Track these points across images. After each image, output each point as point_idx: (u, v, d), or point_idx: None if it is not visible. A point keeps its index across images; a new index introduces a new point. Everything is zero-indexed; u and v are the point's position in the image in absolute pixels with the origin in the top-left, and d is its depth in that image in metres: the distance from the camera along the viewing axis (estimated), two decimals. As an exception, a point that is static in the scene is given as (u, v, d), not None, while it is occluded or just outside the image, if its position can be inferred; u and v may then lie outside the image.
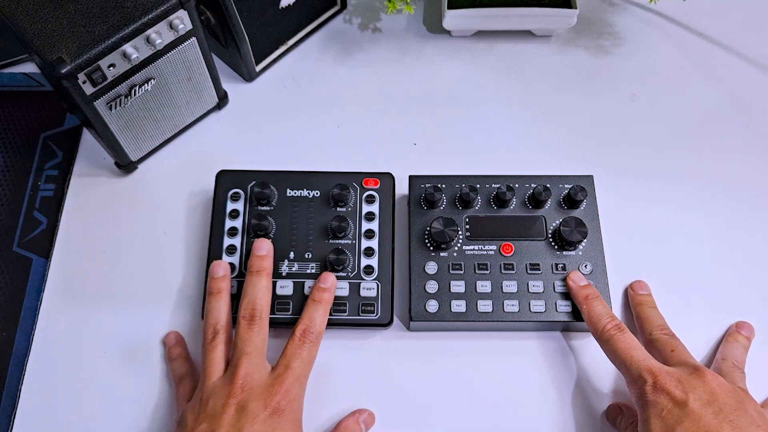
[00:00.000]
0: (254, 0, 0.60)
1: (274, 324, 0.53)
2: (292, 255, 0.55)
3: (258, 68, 0.67)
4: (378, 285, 0.54)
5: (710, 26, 0.71)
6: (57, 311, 0.57)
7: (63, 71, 0.48)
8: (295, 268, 0.55)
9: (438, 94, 0.67)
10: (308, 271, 0.55)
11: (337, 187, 0.56)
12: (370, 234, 0.56)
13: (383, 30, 0.71)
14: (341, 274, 0.54)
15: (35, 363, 0.55)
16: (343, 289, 0.54)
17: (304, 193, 0.57)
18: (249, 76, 0.67)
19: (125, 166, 0.62)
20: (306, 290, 0.54)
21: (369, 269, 0.55)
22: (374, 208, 0.57)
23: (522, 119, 0.65)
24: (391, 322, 0.54)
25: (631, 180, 0.62)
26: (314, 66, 0.69)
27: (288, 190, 0.57)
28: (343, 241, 0.55)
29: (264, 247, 0.53)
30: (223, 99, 0.65)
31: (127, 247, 0.59)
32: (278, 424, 0.45)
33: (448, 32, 0.70)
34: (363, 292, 0.54)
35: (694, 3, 0.69)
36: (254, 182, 0.57)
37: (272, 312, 0.53)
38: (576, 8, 0.65)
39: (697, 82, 0.68)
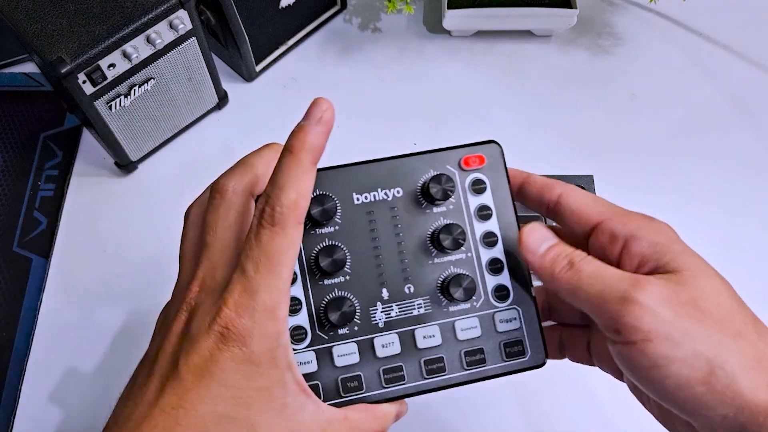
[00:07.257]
0: (254, 0, 0.60)
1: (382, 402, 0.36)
2: (385, 295, 0.36)
3: (258, 68, 0.67)
4: (518, 312, 0.37)
5: (710, 26, 0.71)
6: (57, 311, 0.57)
7: (63, 71, 0.48)
8: (395, 312, 0.36)
9: (438, 94, 0.67)
10: (415, 312, 0.36)
11: (433, 179, 0.36)
12: (490, 239, 0.37)
13: (383, 30, 0.71)
14: (464, 306, 0.36)
15: (35, 363, 0.55)
16: (473, 329, 0.36)
17: (380, 195, 0.36)
18: (249, 76, 0.67)
19: (125, 166, 0.62)
20: (419, 342, 0.35)
21: (501, 291, 0.37)
22: (486, 198, 0.38)
23: (522, 119, 0.65)
24: (545, 361, 0.37)
25: (631, 180, 0.62)
26: (314, 66, 0.69)
27: (355, 196, 0.36)
28: (455, 257, 0.36)
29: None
30: (223, 99, 0.65)
31: (127, 247, 0.59)
32: (220, 356, 0.29)
33: (448, 32, 0.70)
34: (500, 326, 0.36)
35: (694, 3, 0.69)
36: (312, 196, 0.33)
37: (381, 383, 0.35)
38: (576, 8, 0.65)
39: (697, 82, 0.68)
